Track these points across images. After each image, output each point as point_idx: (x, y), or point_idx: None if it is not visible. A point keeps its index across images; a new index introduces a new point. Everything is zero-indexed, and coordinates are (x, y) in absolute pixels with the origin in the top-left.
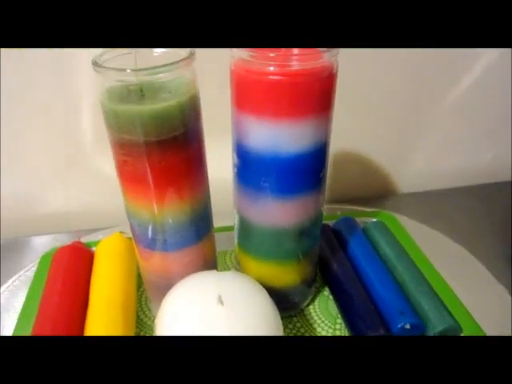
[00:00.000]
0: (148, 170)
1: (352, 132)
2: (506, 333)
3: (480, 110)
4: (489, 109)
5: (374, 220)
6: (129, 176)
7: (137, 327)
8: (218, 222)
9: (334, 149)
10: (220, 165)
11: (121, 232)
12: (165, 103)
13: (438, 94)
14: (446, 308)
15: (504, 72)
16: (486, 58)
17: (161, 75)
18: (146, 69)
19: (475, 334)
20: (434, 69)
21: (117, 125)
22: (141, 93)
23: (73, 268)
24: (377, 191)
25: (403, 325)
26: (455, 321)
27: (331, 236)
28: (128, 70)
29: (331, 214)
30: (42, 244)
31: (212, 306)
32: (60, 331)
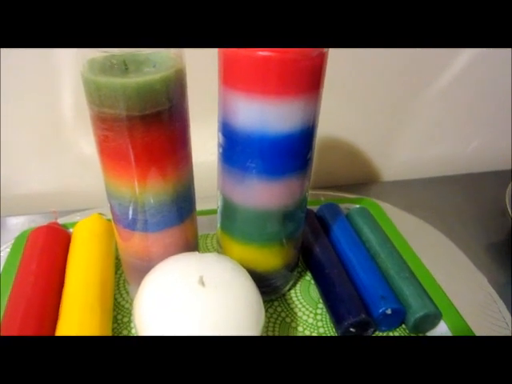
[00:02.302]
0: (130, 147)
1: (337, 119)
2: (484, 318)
3: (464, 100)
4: (472, 100)
5: (358, 206)
6: (109, 152)
7: (114, 310)
8: (199, 205)
9: (319, 135)
10: (204, 147)
11: (99, 213)
12: (149, 76)
13: (423, 83)
14: (426, 294)
15: (488, 63)
16: (469, 49)
17: None
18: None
19: (454, 320)
20: (420, 59)
21: (98, 98)
22: (124, 66)
23: (48, 249)
24: (361, 178)
25: (384, 310)
26: (435, 306)
27: (314, 221)
28: None
29: (315, 199)
30: (18, 225)
31: (193, 287)
32: (33, 314)
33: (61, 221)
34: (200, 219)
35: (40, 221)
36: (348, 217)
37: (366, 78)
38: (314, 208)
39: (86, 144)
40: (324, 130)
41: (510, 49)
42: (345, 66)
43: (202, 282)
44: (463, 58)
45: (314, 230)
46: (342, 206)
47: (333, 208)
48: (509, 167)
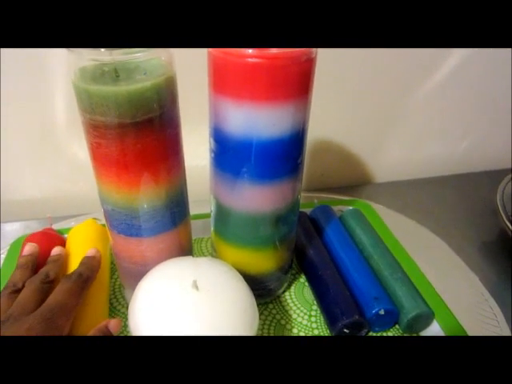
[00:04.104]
0: (122, 154)
1: (329, 121)
2: (476, 317)
3: (455, 101)
4: (463, 100)
5: (351, 208)
6: (102, 159)
7: (110, 314)
8: (194, 209)
9: (310, 137)
10: (196, 152)
11: (94, 219)
12: (140, 84)
13: (414, 84)
14: (419, 294)
15: (478, 64)
16: (460, 49)
17: (136, 55)
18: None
19: (447, 320)
20: (410, 60)
21: (90, 106)
22: (115, 74)
23: (43, 255)
24: (353, 180)
25: (377, 310)
26: (428, 307)
27: (308, 223)
28: (102, 49)
29: (308, 201)
30: (13, 231)
31: (187, 291)
32: None
33: (55, 226)
34: (194, 223)
35: (35, 227)
36: (341, 219)
37: (357, 80)
38: (308, 210)
39: (79, 149)
40: (316, 133)
41: (500, 49)
42: (336, 69)
43: (195, 286)
44: (453, 58)
45: (308, 233)
46: (335, 208)
47: (326, 210)
48: (500, 167)
